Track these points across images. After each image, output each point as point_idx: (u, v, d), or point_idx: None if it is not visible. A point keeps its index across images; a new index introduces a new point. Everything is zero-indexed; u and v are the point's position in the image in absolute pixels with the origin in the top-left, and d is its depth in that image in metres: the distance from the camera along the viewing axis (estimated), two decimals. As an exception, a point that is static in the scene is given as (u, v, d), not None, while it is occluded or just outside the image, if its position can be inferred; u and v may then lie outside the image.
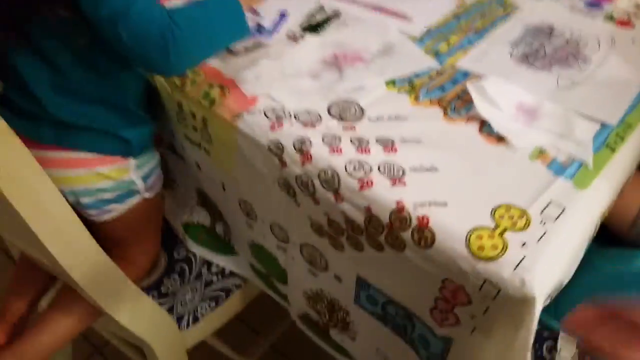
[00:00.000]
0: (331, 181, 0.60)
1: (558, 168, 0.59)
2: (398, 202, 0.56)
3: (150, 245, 0.89)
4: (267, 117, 0.65)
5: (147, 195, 0.81)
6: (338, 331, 0.79)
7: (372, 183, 0.58)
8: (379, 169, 0.59)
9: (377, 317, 0.69)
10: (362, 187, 0.58)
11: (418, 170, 0.59)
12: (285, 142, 0.63)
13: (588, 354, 0.66)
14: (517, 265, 0.50)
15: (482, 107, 0.64)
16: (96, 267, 0.70)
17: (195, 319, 0.89)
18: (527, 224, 0.53)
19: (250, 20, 0.78)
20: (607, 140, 0.62)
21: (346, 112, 0.66)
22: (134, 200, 0.79)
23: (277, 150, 0.63)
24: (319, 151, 0.62)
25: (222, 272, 0.93)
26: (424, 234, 0.54)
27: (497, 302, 0.51)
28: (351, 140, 0.62)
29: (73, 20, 0.63)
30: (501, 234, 0.52)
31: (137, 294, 0.79)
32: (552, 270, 0.51)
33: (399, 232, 0.56)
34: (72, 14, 0.62)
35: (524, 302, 0.49)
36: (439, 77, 0.71)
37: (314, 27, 0.81)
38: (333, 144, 0.62)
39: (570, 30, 0.81)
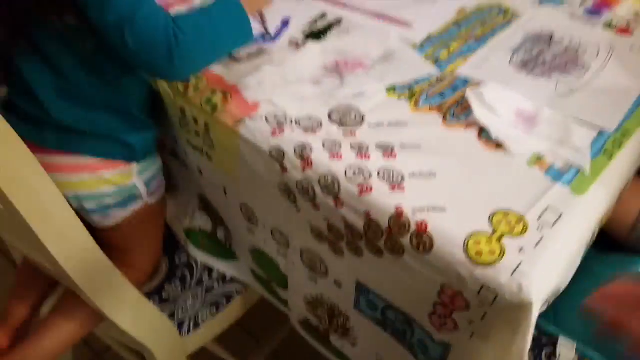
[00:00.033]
0: (331, 186, 0.60)
1: (556, 174, 0.59)
2: (397, 208, 0.56)
3: (152, 250, 0.90)
4: (269, 122, 0.66)
5: (149, 200, 0.81)
6: (338, 337, 0.79)
7: (371, 188, 0.58)
8: (378, 174, 0.60)
9: (377, 323, 0.70)
10: (361, 192, 0.58)
11: (417, 175, 0.59)
12: (286, 147, 0.64)
13: (610, 331, 0.65)
14: (515, 270, 0.50)
15: (480, 114, 0.65)
16: (98, 271, 0.70)
17: (196, 325, 0.89)
18: (525, 230, 0.53)
19: (255, 26, 0.79)
20: (605, 146, 0.63)
21: (347, 118, 0.67)
22: (136, 206, 0.80)
23: (278, 155, 0.64)
24: (320, 157, 0.62)
25: (223, 278, 0.93)
26: (422, 239, 0.54)
27: (495, 307, 0.51)
28: (351, 146, 0.63)
29: (79, 26, 0.64)
30: (499, 239, 0.52)
31: (139, 299, 0.79)
32: (549, 275, 0.51)
33: (398, 237, 0.56)
34: (78, 20, 0.63)
35: (521, 307, 0.49)
36: (439, 84, 0.72)
37: (316, 34, 0.82)
38: (333, 150, 0.63)
39: (570, 37, 0.81)
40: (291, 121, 0.66)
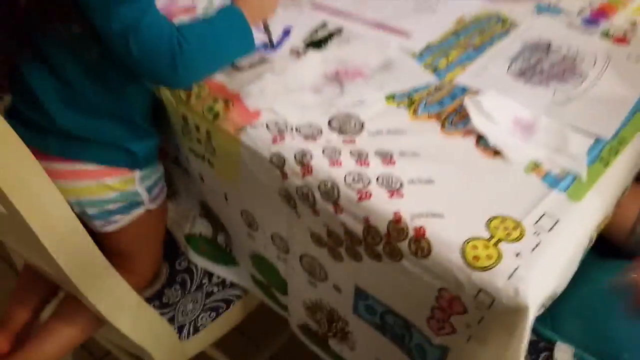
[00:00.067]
0: (331, 192, 0.61)
1: (552, 181, 0.60)
2: (395, 213, 0.57)
3: (153, 256, 0.90)
4: (270, 130, 0.67)
5: (151, 206, 0.82)
6: (337, 341, 0.80)
7: (370, 195, 0.59)
8: (377, 181, 0.60)
9: (376, 327, 0.70)
10: (360, 198, 0.59)
11: (415, 182, 0.60)
12: (286, 154, 0.64)
13: None
14: (511, 275, 0.51)
15: (478, 122, 0.66)
16: (99, 276, 0.71)
17: (196, 329, 0.90)
18: (521, 235, 0.54)
19: (257, 36, 0.80)
20: (601, 154, 0.64)
21: (346, 125, 0.68)
22: (138, 212, 0.81)
23: (278, 162, 0.65)
24: (320, 163, 0.63)
25: (222, 283, 0.94)
26: (420, 244, 0.55)
27: (492, 311, 0.52)
28: (351, 153, 0.64)
29: (84, 34, 0.65)
30: (496, 244, 0.53)
31: (139, 304, 0.80)
32: (545, 280, 0.52)
33: (396, 243, 0.57)
34: (83, 28, 0.64)
35: (518, 311, 0.50)
36: (437, 92, 0.73)
37: (316, 43, 0.83)
38: (333, 157, 0.64)
39: (568, 46, 0.82)
40: (292, 128, 0.67)
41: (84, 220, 0.76)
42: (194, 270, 0.95)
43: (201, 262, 0.94)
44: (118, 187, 0.76)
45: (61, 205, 0.60)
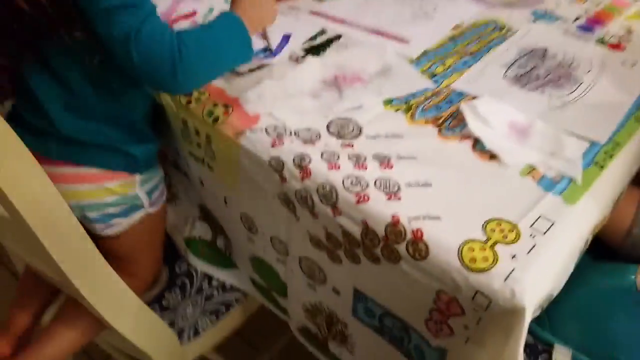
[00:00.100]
0: (329, 196, 0.62)
1: (548, 184, 0.61)
2: (393, 216, 0.58)
3: (153, 259, 0.91)
4: (269, 134, 0.68)
5: (150, 210, 0.83)
6: (337, 344, 0.80)
7: (368, 198, 0.60)
8: (375, 184, 0.61)
9: (375, 329, 0.71)
10: (358, 201, 0.60)
11: (413, 185, 0.61)
12: (285, 158, 0.65)
13: None
14: (507, 276, 0.51)
15: (475, 126, 0.66)
16: (101, 279, 0.72)
17: (196, 333, 0.90)
18: (517, 238, 0.55)
19: (256, 42, 0.81)
20: (596, 157, 0.64)
21: (345, 130, 0.69)
22: (137, 215, 0.81)
23: (277, 166, 0.66)
24: (318, 167, 0.64)
25: (222, 287, 0.94)
26: (418, 247, 0.56)
27: (489, 312, 0.52)
28: (349, 157, 0.65)
29: (86, 40, 0.66)
30: (492, 246, 0.54)
31: (140, 307, 0.80)
32: (541, 282, 0.53)
33: (394, 245, 0.58)
34: (85, 35, 0.65)
35: (514, 312, 0.51)
36: (434, 98, 0.74)
37: (315, 49, 0.84)
38: (331, 160, 0.64)
39: (563, 52, 0.83)
40: (291, 133, 0.68)
41: (85, 223, 0.76)
42: (194, 274, 0.95)
43: (201, 265, 0.95)
44: (118, 190, 0.77)
45: (62, 208, 0.61)
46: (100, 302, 0.72)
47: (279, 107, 0.72)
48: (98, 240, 0.77)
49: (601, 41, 0.86)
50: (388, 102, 0.73)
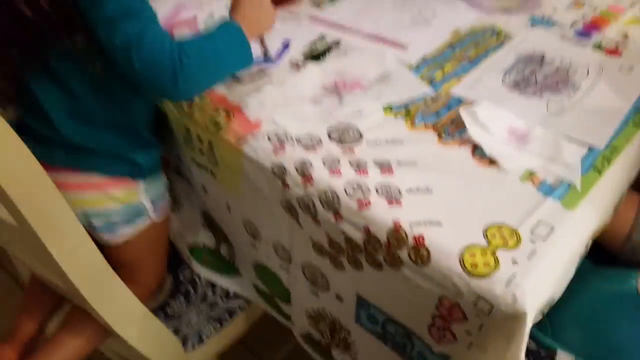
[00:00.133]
0: (331, 202, 0.62)
1: (547, 189, 0.61)
2: (395, 222, 0.58)
3: (157, 267, 0.92)
4: (271, 140, 0.69)
5: (154, 217, 0.83)
6: (340, 351, 0.80)
7: (370, 204, 0.60)
8: (376, 190, 0.62)
9: (378, 336, 0.71)
10: (360, 207, 0.60)
11: (414, 191, 0.61)
12: (287, 164, 0.66)
13: None
14: (509, 282, 0.52)
15: (474, 132, 0.67)
16: (107, 287, 0.72)
17: (200, 340, 0.91)
18: (518, 243, 0.55)
19: (256, 49, 0.82)
20: (595, 163, 0.65)
21: (345, 135, 0.69)
22: (142, 223, 0.82)
23: (280, 172, 0.66)
24: (320, 173, 0.64)
25: (226, 294, 0.95)
26: (419, 252, 0.56)
27: (491, 318, 0.53)
28: (350, 163, 0.65)
29: (89, 48, 0.67)
30: (493, 252, 0.54)
31: (145, 315, 0.80)
32: (542, 286, 0.53)
33: (396, 251, 0.58)
34: (88, 42, 0.66)
35: (516, 317, 0.51)
36: (433, 103, 0.75)
37: (315, 55, 0.85)
38: (333, 167, 0.65)
39: (561, 58, 0.84)
40: (292, 139, 0.69)
41: (90, 232, 0.77)
42: (198, 281, 0.96)
43: (204, 273, 0.95)
44: (122, 198, 0.78)
45: (69, 217, 0.61)
46: (107, 310, 0.73)
47: (280, 113, 0.72)
48: (102, 248, 0.77)
49: (598, 46, 0.86)
50: (388, 108, 0.74)
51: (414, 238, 0.57)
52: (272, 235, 0.77)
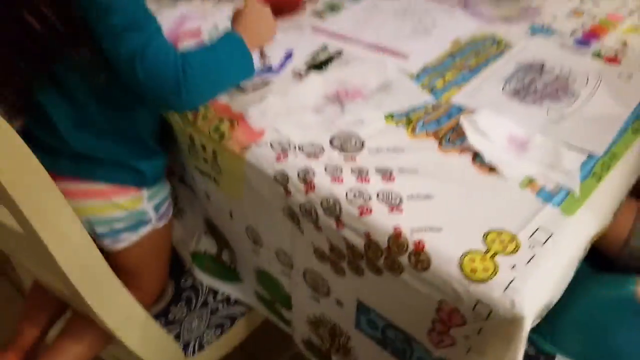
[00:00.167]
0: (333, 209, 0.63)
1: (546, 196, 0.62)
2: (395, 228, 0.59)
3: (159, 273, 0.92)
4: (273, 149, 0.69)
5: (157, 224, 0.84)
6: (340, 357, 0.81)
7: (371, 210, 0.61)
8: (377, 197, 0.62)
9: (377, 342, 0.71)
10: (361, 214, 0.61)
11: (414, 198, 0.62)
12: (290, 172, 0.67)
13: None
14: (507, 286, 0.52)
15: (474, 139, 0.68)
16: (110, 292, 0.73)
17: (201, 346, 0.91)
18: (517, 248, 0.56)
19: (259, 59, 0.83)
20: (594, 169, 0.66)
21: (347, 144, 0.70)
22: (145, 230, 0.83)
23: (282, 180, 0.67)
24: (322, 180, 0.65)
25: (227, 300, 0.95)
26: (420, 258, 0.57)
27: (489, 322, 0.53)
28: (352, 170, 0.66)
29: (94, 59, 0.68)
30: (492, 257, 0.55)
31: (147, 320, 0.81)
32: (540, 291, 0.54)
33: (396, 257, 0.59)
34: (94, 54, 0.67)
35: (514, 321, 0.52)
36: (434, 112, 0.76)
37: (317, 65, 0.86)
38: (335, 174, 0.66)
39: (560, 66, 0.85)
40: (295, 147, 0.70)
41: (93, 238, 0.77)
42: (199, 288, 0.96)
43: (206, 279, 0.96)
44: (126, 205, 0.79)
45: (75, 223, 0.62)
46: (110, 315, 0.73)
47: (283, 122, 0.73)
48: (105, 254, 0.78)
49: (597, 55, 0.87)
50: (389, 116, 0.75)
51: (415, 244, 0.57)
52: (274, 242, 0.77)
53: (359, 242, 0.62)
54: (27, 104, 0.74)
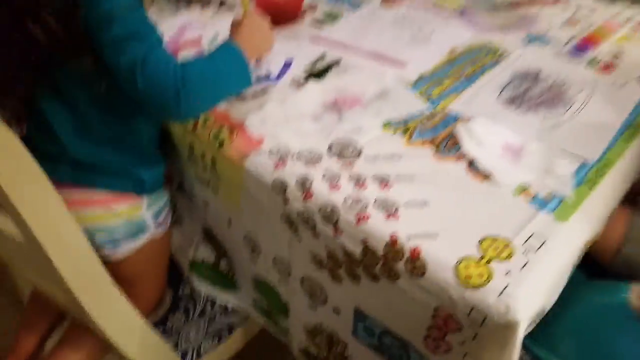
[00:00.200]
0: (330, 216, 0.64)
1: (540, 203, 0.63)
2: (392, 235, 0.60)
3: (157, 282, 0.93)
4: (272, 156, 0.70)
5: (156, 233, 0.85)
6: (337, 364, 0.81)
7: (368, 217, 0.62)
8: (374, 204, 0.63)
9: (374, 349, 0.72)
10: (359, 221, 0.62)
11: (411, 205, 0.63)
12: (288, 180, 0.67)
13: None
14: (502, 292, 0.53)
15: (469, 147, 0.69)
16: (109, 301, 0.73)
17: (199, 355, 0.91)
18: (511, 254, 0.56)
19: (258, 67, 0.84)
20: (587, 176, 0.66)
21: (345, 151, 0.71)
22: (144, 238, 0.83)
23: (280, 187, 0.68)
24: (320, 188, 0.66)
25: (225, 309, 0.95)
26: (416, 264, 0.58)
27: (484, 328, 0.54)
28: (349, 178, 0.67)
29: (95, 68, 0.69)
30: (487, 263, 0.55)
31: (146, 329, 0.81)
32: (534, 297, 0.54)
33: (393, 263, 0.59)
34: (95, 64, 0.68)
35: (508, 327, 0.52)
36: (431, 120, 0.76)
37: (316, 73, 0.87)
38: (332, 181, 0.67)
39: (556, 74, 0.86)
40: (293, 155, 0.70)
41: (92, 247, 0.78)
42: (197, 297, 0.96)
43: (204, 288, 0.96)
44: (126, 213, 0.79)
45: (76, 232, 0.63)
46: (108, 324, 0.74)
47: (282, 130, 0.74)
48: (104, 263, 0.79)
49: (592, 63, 0.88)
50: (387, 124, 0.76)
51: (411, 250, 0.58)
52: (272, 250, 0.78)
53: (356, 249, 0.63)
54: (28, 111, 0.75)
